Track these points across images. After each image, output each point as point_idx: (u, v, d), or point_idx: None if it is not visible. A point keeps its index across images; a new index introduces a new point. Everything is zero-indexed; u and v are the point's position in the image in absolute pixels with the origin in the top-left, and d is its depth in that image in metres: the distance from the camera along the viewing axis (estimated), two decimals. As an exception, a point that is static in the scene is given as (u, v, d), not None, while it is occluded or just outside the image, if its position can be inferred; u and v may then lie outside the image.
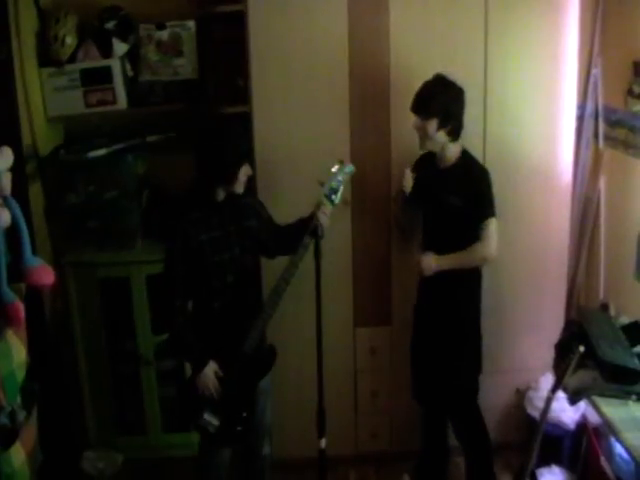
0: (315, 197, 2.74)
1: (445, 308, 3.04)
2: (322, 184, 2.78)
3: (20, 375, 2.13)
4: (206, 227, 2.75)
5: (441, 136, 2.88)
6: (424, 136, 2.90)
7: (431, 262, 2.93)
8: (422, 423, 3.32)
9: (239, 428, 2.83)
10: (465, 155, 2.97)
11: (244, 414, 2.84)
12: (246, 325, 2.77)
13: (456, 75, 2.93)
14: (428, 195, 3.03)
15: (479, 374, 3.11)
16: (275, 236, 2.95)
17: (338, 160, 2.82)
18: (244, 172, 2.73)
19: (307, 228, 2.73)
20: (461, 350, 3.03)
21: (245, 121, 3.22)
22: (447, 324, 3.03)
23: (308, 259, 2.71)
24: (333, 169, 2.78)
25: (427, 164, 3.07)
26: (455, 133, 2.90)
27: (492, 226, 2.88)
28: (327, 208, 2.76)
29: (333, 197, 2.77)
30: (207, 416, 2.78)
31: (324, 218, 2.76)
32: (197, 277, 2.76)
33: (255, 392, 2.92)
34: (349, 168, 2.83)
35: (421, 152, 3.07)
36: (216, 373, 2.77)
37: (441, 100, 2.84)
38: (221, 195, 2.77)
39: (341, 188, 2.79)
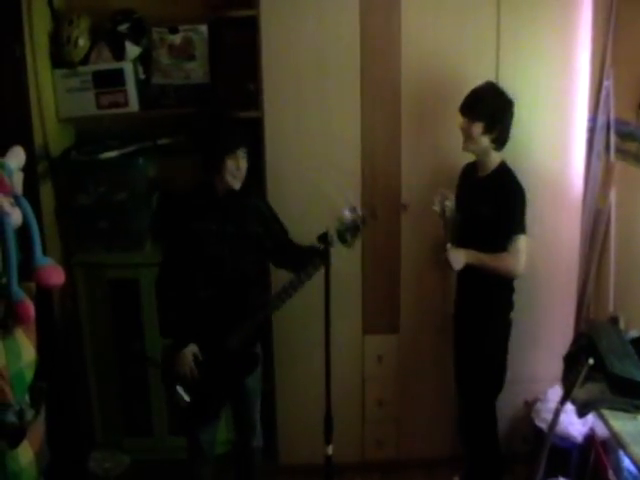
0: (322, 204, 2.66)
1: (476, 318, 3.08)
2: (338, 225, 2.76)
3: (29, 374, 2.13)
4: (202, 217, 2.80)
5: (485, 141, 2.90)
6: (468, 138, 2.92)
7: (459, 255, 2.91)
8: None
9: (208, 412, 2.92)
10: (503, 167, 2.99)
11: (216, 402, 2.92)
12: (232, 323, 2.81)
13: (467, 84, 2.94)
14: (463, 203, 3.02)
15: (499, 391, 3.13)
16: (283, 250, 2.97)
17: (351, 205, 2.79)
18: (232, 164, 2.74)
19: (312, 262, 2.74)
20: (483, 363, 3.07)
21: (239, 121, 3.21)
22: (476, 335, 3.07)
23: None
24: (346, 213, 2.76)
25: (469, 174, 3.11)
26: (499, 142, 2.92)
27: (520, 243, 2.89)
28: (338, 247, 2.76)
29: (347, 236, 2.75)
30: (180, 390, 2.85)
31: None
32: (186, 264, 2.82)
33: (243, 390, 2.98)
34: (356, 212, 2.80)
35: (465, 159, 3.11)
36: (195, 355, 2.83)
37: (489, 104, 2.88)
38: (220, 188, 2.81)
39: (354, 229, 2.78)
